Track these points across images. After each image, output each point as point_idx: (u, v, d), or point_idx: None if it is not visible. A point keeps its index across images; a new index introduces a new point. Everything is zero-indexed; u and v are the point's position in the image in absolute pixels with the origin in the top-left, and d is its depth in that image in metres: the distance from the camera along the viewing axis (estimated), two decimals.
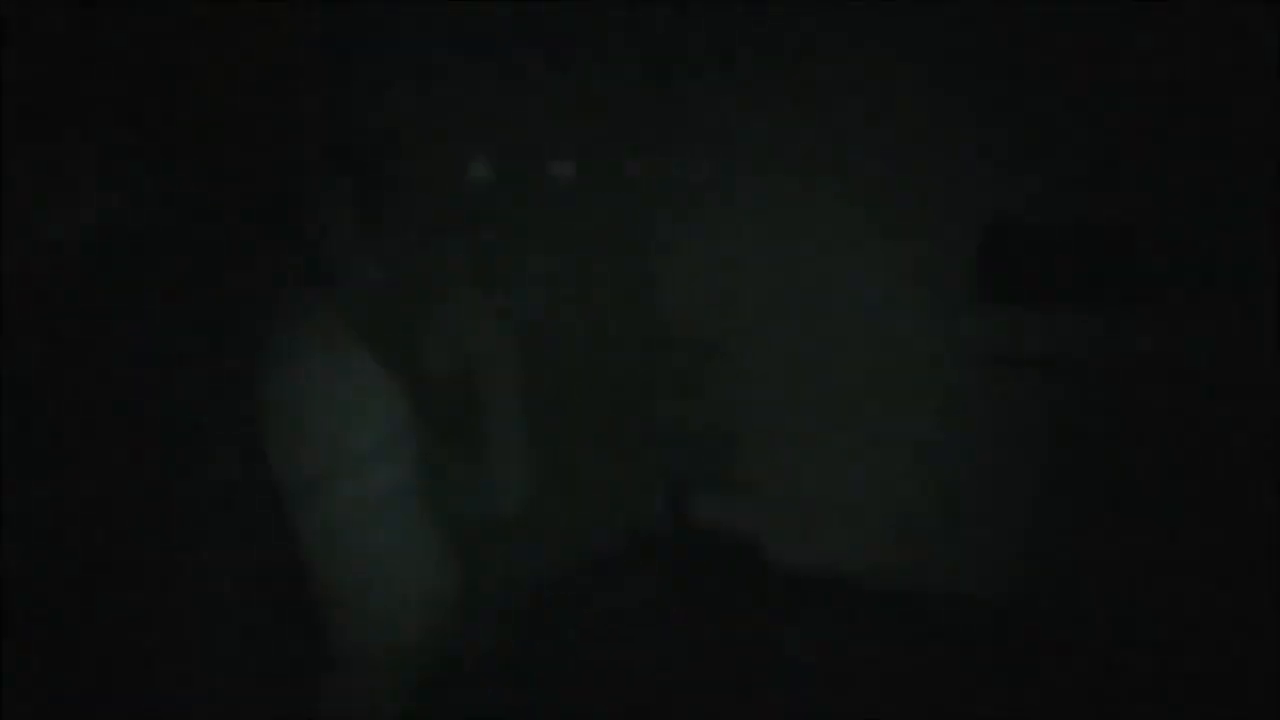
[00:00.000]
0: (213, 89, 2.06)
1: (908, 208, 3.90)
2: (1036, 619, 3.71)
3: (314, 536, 1.86)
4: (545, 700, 3.08)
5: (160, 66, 1.98)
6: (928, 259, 3.90)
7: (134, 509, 1.56)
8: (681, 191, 4.25)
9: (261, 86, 2.18)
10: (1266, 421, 3.41)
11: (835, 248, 4.03)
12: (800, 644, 3.65)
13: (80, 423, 1.53)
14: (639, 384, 4.39)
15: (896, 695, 3.30)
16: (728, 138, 4.11)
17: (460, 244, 2.57)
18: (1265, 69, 3.36)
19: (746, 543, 4.23)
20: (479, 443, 2.56)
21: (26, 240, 1.60)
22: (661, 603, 3.95)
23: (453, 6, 3.14)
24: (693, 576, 4.17)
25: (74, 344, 1.54)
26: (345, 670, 1.92)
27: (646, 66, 4.13)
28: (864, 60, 3.90)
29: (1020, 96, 3.69)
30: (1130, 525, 3.61)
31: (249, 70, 2.19)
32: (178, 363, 1.61)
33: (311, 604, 1.84)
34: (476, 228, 2.70)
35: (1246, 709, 3.18)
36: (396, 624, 1.99)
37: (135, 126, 1.85)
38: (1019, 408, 3.77)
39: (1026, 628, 3.70)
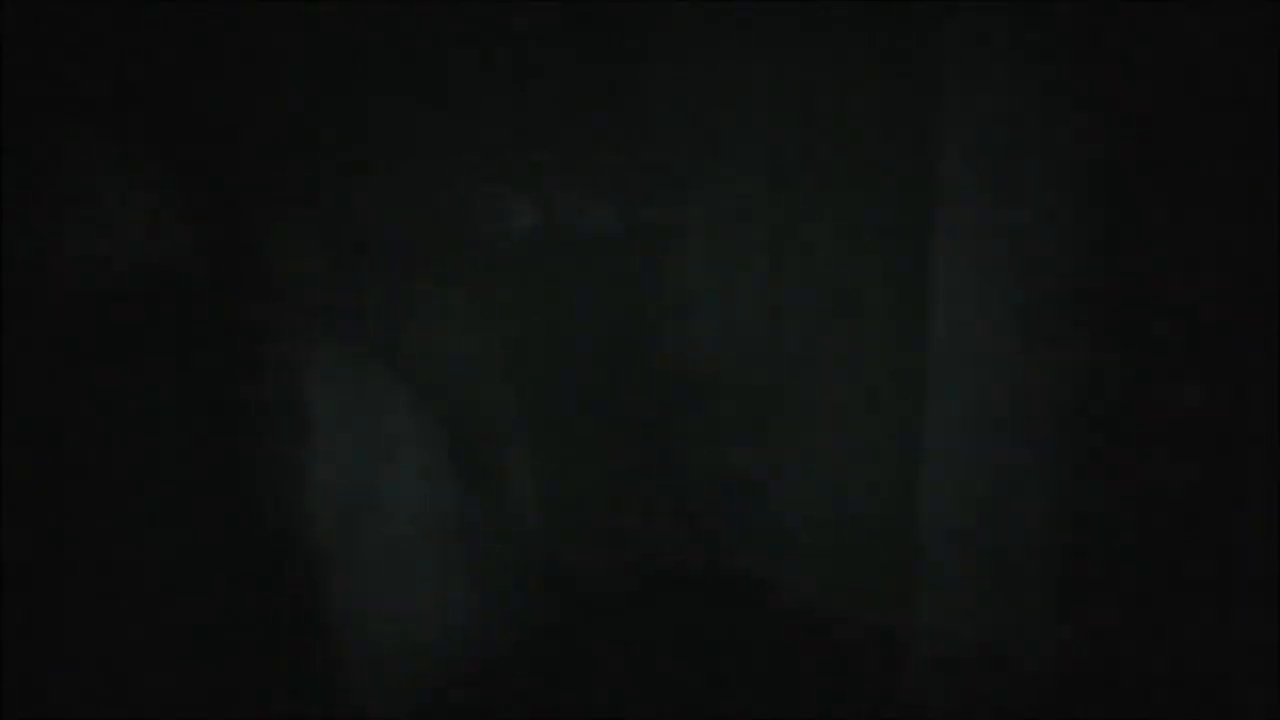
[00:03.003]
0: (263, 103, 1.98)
1: (918, 235, 3.86)
2: (1074, 681, 3.62)
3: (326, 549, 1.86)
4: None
5: (205, 72, 1.92)
6: (944, 289, 3.85)
7: (147, 528, 1.56)
8: (678, 230, 4.22)
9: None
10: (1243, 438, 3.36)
11: (837, 279, 3.99)
12: (812, 682, 3.60)
13: (90, 450, 1.52)
14: (652, 421, 4.36)
15: None
16: (728, 174, 4.08)
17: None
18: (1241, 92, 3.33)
19: (762, 581, 4.18)
20: (505, 488, 2.56)
21: (40, 259, 1.58)
22: (673, 637, 3.92)
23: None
24: (706, 613, 4.13)
25: (88, 374, 1.52)
26: (350, 671, 1.92)
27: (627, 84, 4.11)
28: (854, 76, 3.87)
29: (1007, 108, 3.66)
30: (1130, 552, 3.53)
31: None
32: (199, 389, 1.60)
33: (315, 606, 1.84)
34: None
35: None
36: (405, 627, 2.00)
37: (177, 149, 1.79)
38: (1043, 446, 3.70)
39: (1056, 684, 3.62)
